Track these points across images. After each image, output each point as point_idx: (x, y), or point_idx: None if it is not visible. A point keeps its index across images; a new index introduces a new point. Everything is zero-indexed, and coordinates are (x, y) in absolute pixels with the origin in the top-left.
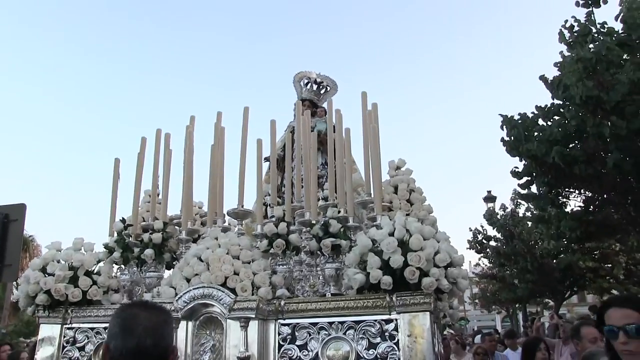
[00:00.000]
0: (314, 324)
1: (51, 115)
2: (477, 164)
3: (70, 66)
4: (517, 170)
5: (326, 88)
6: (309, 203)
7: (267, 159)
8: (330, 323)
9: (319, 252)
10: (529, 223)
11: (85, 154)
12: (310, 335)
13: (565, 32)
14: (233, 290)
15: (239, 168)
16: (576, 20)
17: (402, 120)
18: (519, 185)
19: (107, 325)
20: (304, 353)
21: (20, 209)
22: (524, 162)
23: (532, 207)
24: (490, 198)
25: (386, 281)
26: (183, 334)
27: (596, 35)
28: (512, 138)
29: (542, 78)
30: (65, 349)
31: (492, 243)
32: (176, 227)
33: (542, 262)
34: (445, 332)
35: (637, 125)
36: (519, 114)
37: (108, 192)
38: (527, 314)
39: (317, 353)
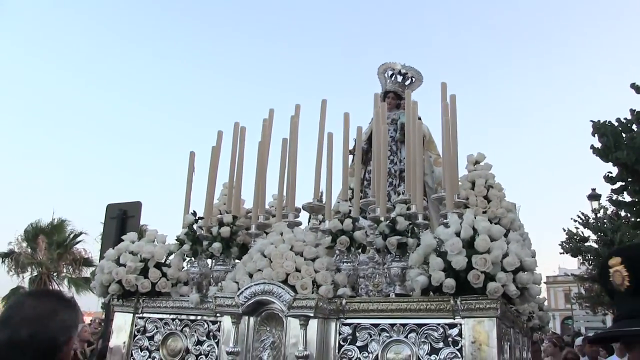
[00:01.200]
0: (375, 325)
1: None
2: (574, 163)
3: (153, 69)
4: (610, 175)
5: (411, 79)
6: (379, 199)
7: (351, 152)
8: (392, 325)
9: (385, 250)
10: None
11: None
12: (371, 336)
13: None
14: (294, 288)
15: (315, 161)
16: None
17: (498, 124)
18: (612, 190)
19: (175, 316)
20: (364, 355)
21: (137, 206)
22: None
23: (624, 213)
24: (594, 196)
25: (448, 284)
26: (244, 329)
27: None
28: (603, 145)
29: (634, 86)
30: (136, 338)
31: (592, 244)
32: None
33: None
34: (538, 334)
35: None
36: (608, 122)
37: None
38: None
39: (377, 355)
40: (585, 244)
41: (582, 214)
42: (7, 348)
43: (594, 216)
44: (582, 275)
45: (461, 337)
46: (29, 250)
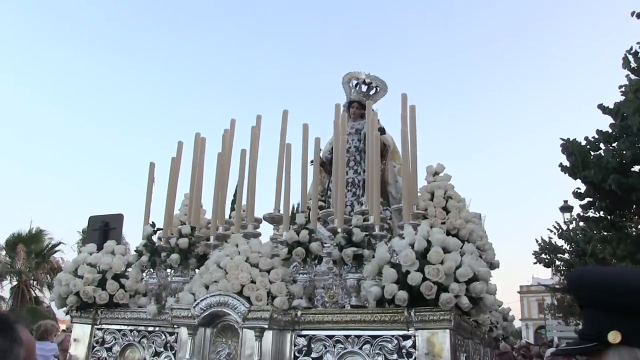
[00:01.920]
0: (330, 337)
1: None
2: (549, 174)
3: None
4: (579, 191)
5: (376, 89)
6: (337, 209)
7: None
8: (347, 336)
9: (342, 261)
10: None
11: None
12: (326, 348)
13: (630, 57)
14: (249, 299)
15: (276, 172)
16: None
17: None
18: (580, 206)
19: (133, 327)
20: None
21: (118, 218)
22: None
23: (592, 228)
24: (566, 208)
25: (401, 297)
26: (200, 340)
27: None
28: (571, 164)
29: (601, 107)
30: (95, 349)
31: (564, 255)
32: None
33: None
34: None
35: None
36: (576, 141)
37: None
38: None
39: None
40: (558, 254)
41: (557, 223)
42: None
43: (567, 227)
44: (554, 286)
45: (415, 348)
46: (8, 259)
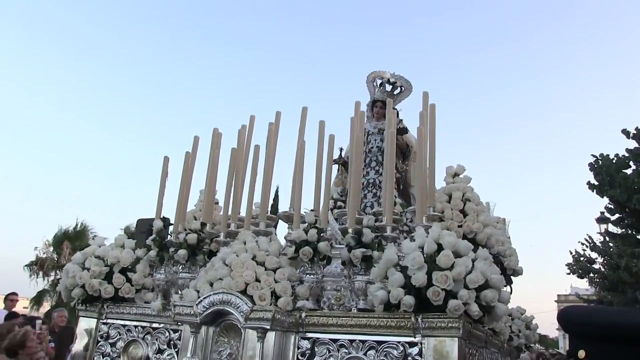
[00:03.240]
0: (335, 341)
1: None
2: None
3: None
4: (610, 206)
5: (400, 88)
6: (349, 208)
7: (335, 162)
8: (351, 341)
9: (351, 262)
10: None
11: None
12: (329, 352)
13: None
14: (252, 298)
15: (293, 170)
16: None
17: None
18: (611, 222)
19: (137, 323)
20: None
21: (165, 221)
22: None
23: (620, 245)
24: (603, 219)
25: (407, 302)
26: (203, 339)
27: None
28: (598, 183)
29: (624, 132)
30: (99, 344)
31: (596, 266)
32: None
33: None
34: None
35: None
36: (606, 157)
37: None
38: None
39: None
40: (592, 266)
41: (589, 237)
42: None
43: (602, 239)
44: (590, 297)
45: (421, 356)
46: (55, 255)
